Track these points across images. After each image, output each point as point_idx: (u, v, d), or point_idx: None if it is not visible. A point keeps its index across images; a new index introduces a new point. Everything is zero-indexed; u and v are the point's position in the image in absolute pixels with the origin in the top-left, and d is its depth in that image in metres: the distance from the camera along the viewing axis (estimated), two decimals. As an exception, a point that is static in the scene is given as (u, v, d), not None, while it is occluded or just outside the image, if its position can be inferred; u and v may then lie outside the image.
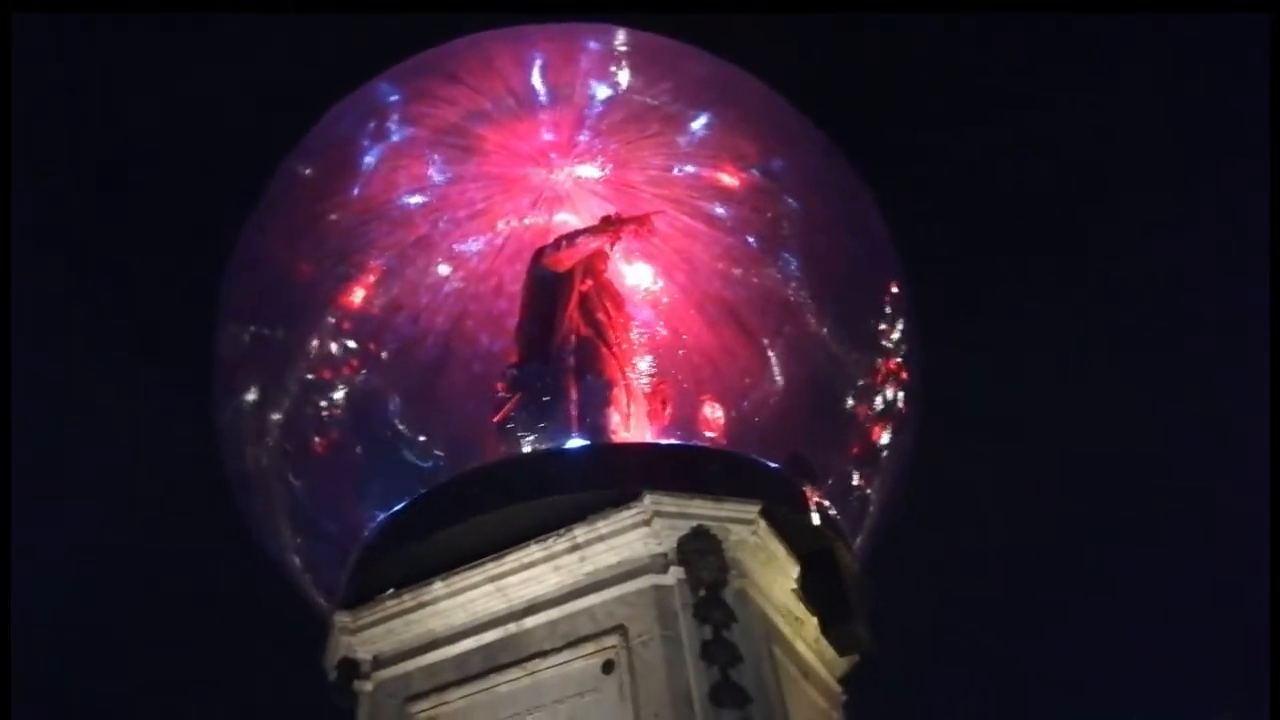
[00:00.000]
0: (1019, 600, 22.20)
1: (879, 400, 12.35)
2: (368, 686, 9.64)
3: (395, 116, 14.35)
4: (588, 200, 15.02)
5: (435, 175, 14.95)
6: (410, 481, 13.67)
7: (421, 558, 9.75)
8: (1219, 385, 21.14)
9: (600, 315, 12.98)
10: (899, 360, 12.49)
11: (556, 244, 13.27)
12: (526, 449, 11.59)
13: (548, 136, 14.84)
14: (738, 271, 14.33)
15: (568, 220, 14.98)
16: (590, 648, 8.78)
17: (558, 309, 12.84)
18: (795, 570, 9.81)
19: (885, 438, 12.27)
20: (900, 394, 12.42)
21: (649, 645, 8.57)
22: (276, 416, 13.13)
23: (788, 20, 21.67)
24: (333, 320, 14.16)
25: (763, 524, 9.27)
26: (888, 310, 12.66)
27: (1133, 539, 22.18)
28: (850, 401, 12.42)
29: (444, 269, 15.20)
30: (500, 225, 15.26)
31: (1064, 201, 23.52)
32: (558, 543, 9.20)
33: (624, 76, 14.04)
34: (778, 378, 13.47)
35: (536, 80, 14.13)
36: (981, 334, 21.90)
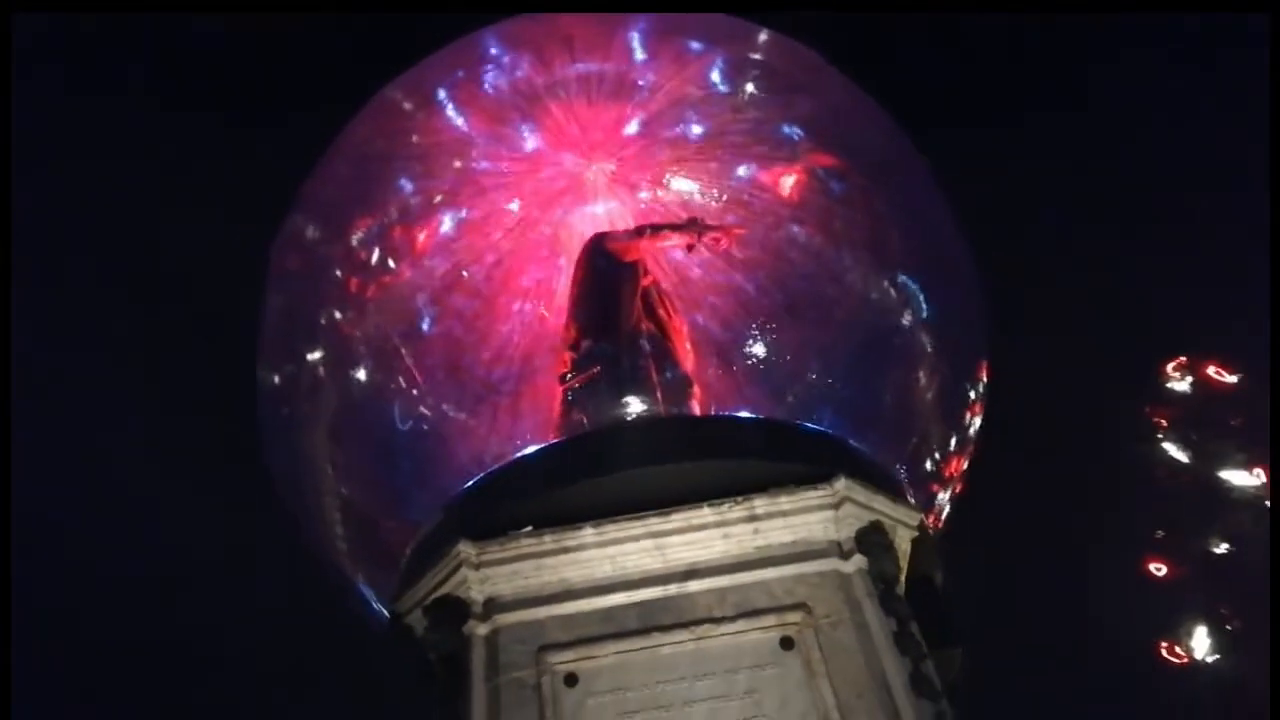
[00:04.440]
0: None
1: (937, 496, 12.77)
2: (482, 629, 8.59)
3: (492, 62, 13.82)
4: (606, 201, 14.92)
5: (485, 135, 14.43)
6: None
7: (570, 501, 8.97)
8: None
9: (661, 313, 12.85)
10: (965, 463, 12.99)
11: (639, 231, 13.09)
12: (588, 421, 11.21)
13: (604, 128, 14.69)
14: (723, 318, 14.61)
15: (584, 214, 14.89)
16: (770, 621, 8.44)
17: (623, 297, 12.57)
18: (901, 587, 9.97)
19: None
20: (949, 505, 12.92)
21: (839, 628, 8.39)
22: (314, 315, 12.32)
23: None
24: (361, 239, 13.44)
25: (916, 534, 9.43)
26: (970, 393, 13.21)
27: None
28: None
29: (451, 229, 14.56)
30: (518, 202, 14.83)
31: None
32: (734, 510, 8.83)
33: (720, 94, 14.15)
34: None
35: (637, 66, 14.02)
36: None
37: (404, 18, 21.85)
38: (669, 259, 14.29)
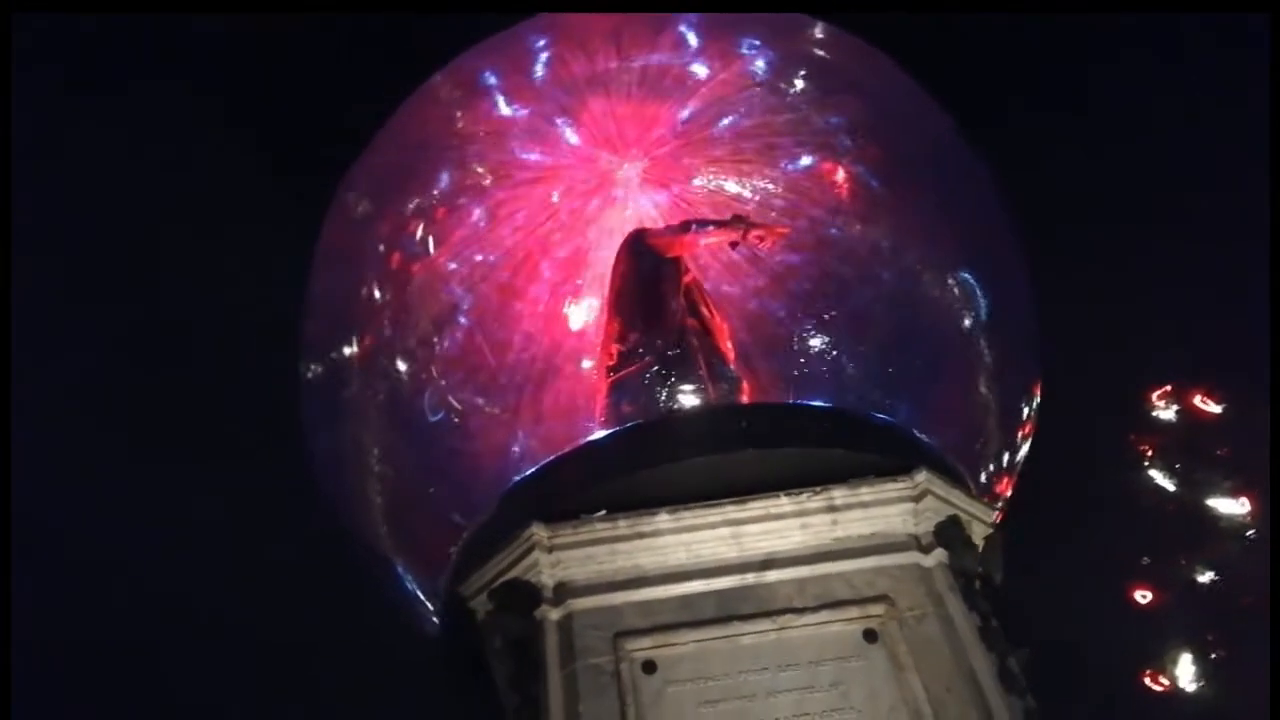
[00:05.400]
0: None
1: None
2: (555, 614, 8.29)
3: (536, 54, 13.65)
4: (639, 198, 14.77)
5: (523, 128, 14.24)
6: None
7: (644, 486, 8.71)
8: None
9: (704, 310, 12.65)
10: (1011, 487, 12.77)
11: (682, 227, 12.91)
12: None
13: (642, 125, 14.54)
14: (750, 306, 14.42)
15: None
16: (852, 613, 8.23)
17: (666, 292, 12.34)
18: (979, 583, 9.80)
19: None
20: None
21: (923, 621, 8.20)
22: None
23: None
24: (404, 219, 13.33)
25: (989, 531, 9.29)
26: (1025, 409, 13.00)
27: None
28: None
29: (484, 220, 14.35)
30: (554, 198, 14.63)
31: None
32: (812, 500, 8.63)
33: (765, 91, 14.01)
34: None
35: (681, 63, 13.88)
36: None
37: (405, 18, 21.81)
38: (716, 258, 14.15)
